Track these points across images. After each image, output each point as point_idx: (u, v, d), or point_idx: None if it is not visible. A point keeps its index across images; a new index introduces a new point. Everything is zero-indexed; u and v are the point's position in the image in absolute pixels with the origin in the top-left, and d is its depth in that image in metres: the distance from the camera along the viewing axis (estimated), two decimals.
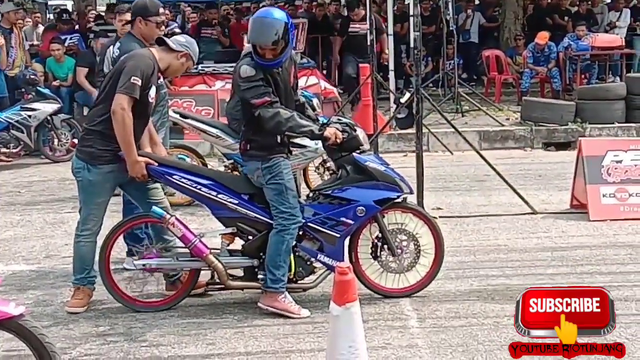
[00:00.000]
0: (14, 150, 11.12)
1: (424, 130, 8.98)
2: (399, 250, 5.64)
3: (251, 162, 5.41)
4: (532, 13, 18.26)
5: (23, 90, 11.51)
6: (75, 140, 11.43)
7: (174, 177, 5.44)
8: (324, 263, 5.49)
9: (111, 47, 6.20)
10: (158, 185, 5.68)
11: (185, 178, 5.43)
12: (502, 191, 8.60)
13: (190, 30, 15.78)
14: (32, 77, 11.39)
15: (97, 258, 5.57)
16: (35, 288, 6.16)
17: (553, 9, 17.75)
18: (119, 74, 5.33)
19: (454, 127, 9.36)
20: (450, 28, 14.67)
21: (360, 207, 5.45)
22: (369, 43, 11.73)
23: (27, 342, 3.76)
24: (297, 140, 6.71)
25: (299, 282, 5.52)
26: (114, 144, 5.36)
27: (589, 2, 17.51)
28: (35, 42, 15.20)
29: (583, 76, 14.36)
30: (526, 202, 8.10)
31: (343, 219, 5.45)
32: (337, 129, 5.40)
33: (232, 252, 5.57)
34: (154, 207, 5.48)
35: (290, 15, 18.12)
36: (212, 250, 5.49)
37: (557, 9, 17.73)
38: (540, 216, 7.95)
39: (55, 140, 11.40)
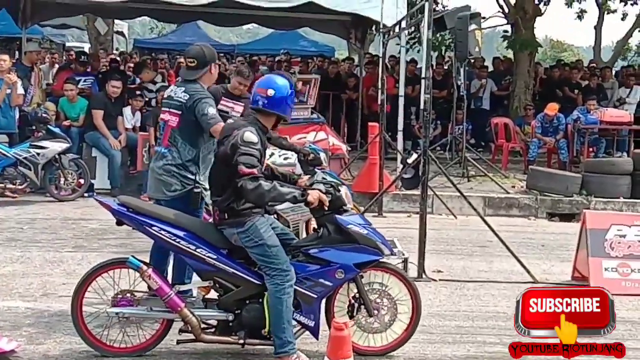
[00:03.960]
0: (20, 187, 11.16)
1: (429, 192, 9.00)
2: (376, 311, 5.62)
3: (227, 229, 5.36)
4: (543, 84, 18.44)
5: (34, 127, 11.60)
6: (82, 181, 11.51)
7: (153, 228, 5.38)
8: (299, 322, 5.43)
9: (174, 90, 6.33)
10: None
11: (164, 230, 5.37)
12: (504, 258, 8.58)
13: None
14: (44, 115, 11.49)
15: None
16: (30, 325, 6.13)
17: (564, 82, 17.93)
18: None
19: (459, 191, 9.38)
20: (461, 93, 14.81)
21: (340, 270, 5.41)
22: (378, 102, 11.75)
23: None
24: None
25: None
26: None
27: (600, 77, 17.69)
28: (51, 82, 15.35)
29: (590, 149, 14.41)
30: (527, 271, 8.08)
31: (321, 280, 5.40)
32: (321, 190, 5.38)
33: (207, 303, 5.52)
34: (131, 258, 5.44)
35: (303, 71, 18.35)
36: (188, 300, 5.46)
37: (568, 81, 17.92)
38: (540, 286, 7.90)
39: (62, 179, 11.45)
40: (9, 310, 6.49)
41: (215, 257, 5.36)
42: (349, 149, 13.93)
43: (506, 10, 18.77)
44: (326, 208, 5.38)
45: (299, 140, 10.90)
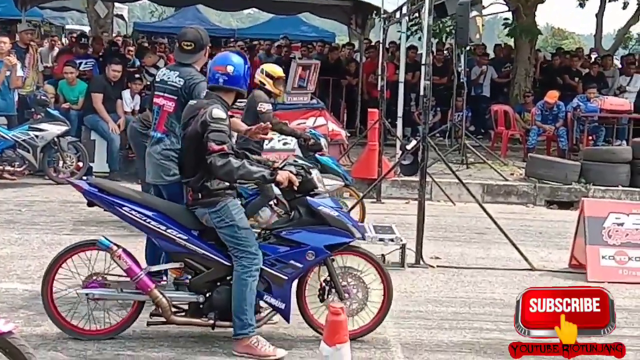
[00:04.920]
0: (19, 169, 11.14)
1: (428, 178, 9.01)
2: (347, 295, 5.62)
3: (199, 209, 5.37)
4: (543, 72, 18.41)
5: (33, 110, 11.57)
6: (81, 164, 11.50)
7: (124, 208, 5.39)
8: (270, 304, 5.45)
9: (166, 73, 6.29)
10: None
11: (135, 210, 5.37)
12: (501, 245, 8.58)
13: None
14: (43, 97, 11.46)
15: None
16: (27, 307, 6.14)
17: (564, 69, 17.90)
18: None
19: (458, 177, 9.38)
20: (461, 80, 14.79)
21: (310, 252, 5.43)
22: (378, 88, 11.74)
23: None
24: None
25: None
26: None
27: (601, 65, 17.65)
28: (50, 65, 15.31)
29: (590, 137, 14.41)
30: (525, 258, 8.09)
31: (292, 262, 5.42)
32: (291, 172, 5.41)
33: (178, 286, 5.52)
34: (101, 238, 5.46)
35: (305, 56, 18.29)
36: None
37: (569, 69, 17.88)
38: (538, 273, 7.92)
39: (60, 162, 11.43)
40: (6, 292, 6.51)
41: (185, 237, 5.36)
42: (348, 134, 13.89)
43: None
44: (296, 189, 5.40)
45: (298, 125, 10.88)
